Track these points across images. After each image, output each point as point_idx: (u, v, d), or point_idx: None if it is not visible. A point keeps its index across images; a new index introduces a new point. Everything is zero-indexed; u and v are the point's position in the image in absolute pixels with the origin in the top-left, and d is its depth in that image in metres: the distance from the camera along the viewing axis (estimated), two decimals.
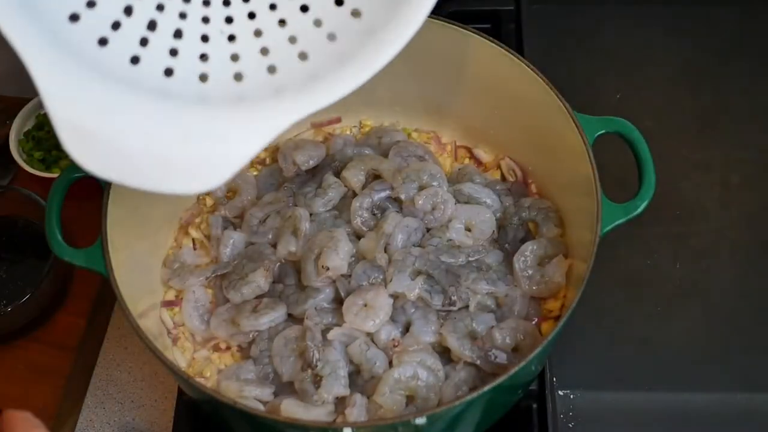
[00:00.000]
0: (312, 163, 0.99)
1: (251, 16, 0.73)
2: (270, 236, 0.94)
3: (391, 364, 0.86)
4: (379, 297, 0.87)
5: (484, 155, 1.04)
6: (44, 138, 1.10)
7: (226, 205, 0.98)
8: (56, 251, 0.84)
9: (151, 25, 0.71)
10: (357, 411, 0.82)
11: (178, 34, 0.71)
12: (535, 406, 0.93)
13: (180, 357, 0.91)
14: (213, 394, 0.78)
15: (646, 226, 1.04)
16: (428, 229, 0.94)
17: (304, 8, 0.73)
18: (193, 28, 0.72)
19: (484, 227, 0.94)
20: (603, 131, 0.89)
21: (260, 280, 0.90)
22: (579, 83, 1.13)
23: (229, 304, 0.91)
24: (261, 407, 0.84)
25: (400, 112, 1.05)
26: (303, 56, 0.73)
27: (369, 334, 0.87)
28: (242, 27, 0.73)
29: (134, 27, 0.70)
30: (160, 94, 0.69)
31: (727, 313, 1.01)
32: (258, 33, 0.73)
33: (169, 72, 0.70)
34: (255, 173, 1.02)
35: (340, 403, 0.84)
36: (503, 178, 1.01)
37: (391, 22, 0.72)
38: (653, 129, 1.10)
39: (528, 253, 0.91)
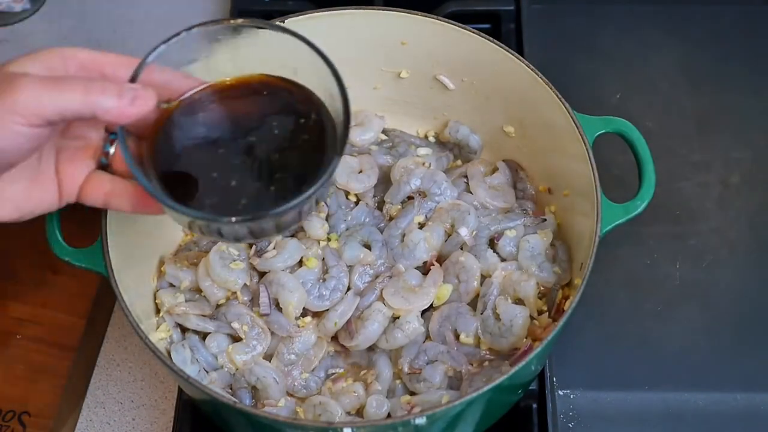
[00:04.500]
0: None
1: None
2: None
3: None
4: None
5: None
6: None
7: None
8: (56, 251, 0.85)
9: None
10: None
11: None
12: (535, 406, 0.93)
13: None
14: (213, 394, 0.78)
15: (646, 226, 1.04)
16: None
17: None
18: None
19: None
20: (603, 131, 0.89)
21: None
22: (579, 83, 1.13)
23: None
24: None
25: (401, 113, 1.05)
26: None
27: None
28: None
29: None
30: None
31: (727, 313, 1.01)
32: None
33: None
34: None
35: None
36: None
37: None
38: (653, 129, 1.11)
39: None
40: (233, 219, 0.70)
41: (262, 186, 0.74)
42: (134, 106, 0.68)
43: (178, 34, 0.73)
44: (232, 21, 0.74)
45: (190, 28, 0.73)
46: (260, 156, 0.74)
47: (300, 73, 0.75)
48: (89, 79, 0.69)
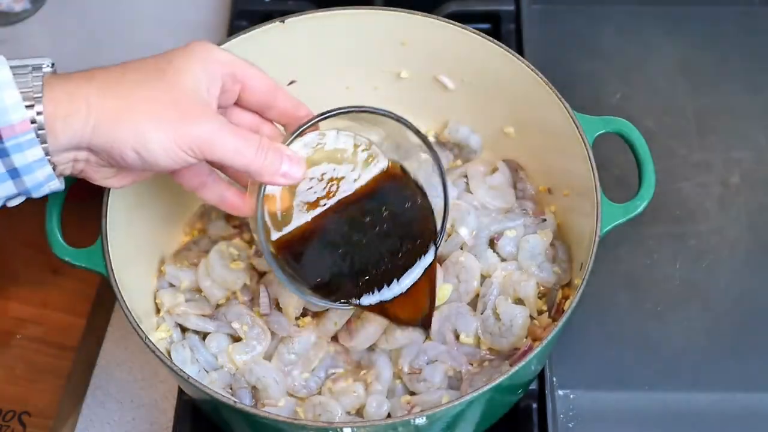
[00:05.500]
0: None
1: None
2: None
3: None
4: None
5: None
6: None
7: None
8: (56, 251, 0.84)
9: None
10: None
11: None
12: (535, 406, 0.93)
13: None
14: (213, 394, 0.78)
15: (646, 226, 1.04)
16: None
17: None
18: None
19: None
20: (603, 131, 0.89)
21: None
22: (579, 83, 1.13)
23: None
24: None
25: (401, 113, 1.05)
26: None
27: None
28: None
29: None
30: None
31: (727, 313, 1.01)
32: None
33: None
34: None
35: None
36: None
37: None
38: (653, 129, 1.11)
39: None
40: (338, 304, 0.83)
41: (372, 268, 0.83)
42: (285, 177, 0.75)
43: (329, 112, 0.80)
44: (369, 109, 0.81)
45: (337, 112, 0.80)
46: (372, 241, 0.84)
47: (406, 156, 0.85)
48: (260, 143, 0.73)
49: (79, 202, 0.94)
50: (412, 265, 0.84)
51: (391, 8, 0.96)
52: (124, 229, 0.87)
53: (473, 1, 1.20)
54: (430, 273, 0.85)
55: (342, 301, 0.83)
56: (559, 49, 1.19)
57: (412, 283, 0.83)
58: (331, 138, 0.83)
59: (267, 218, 0.81)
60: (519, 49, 1.14)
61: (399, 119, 0.82)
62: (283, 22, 0.95)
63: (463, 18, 1.04)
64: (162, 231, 0.97)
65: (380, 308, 0.84)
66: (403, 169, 0.85)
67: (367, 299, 0.83)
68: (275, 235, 0.82)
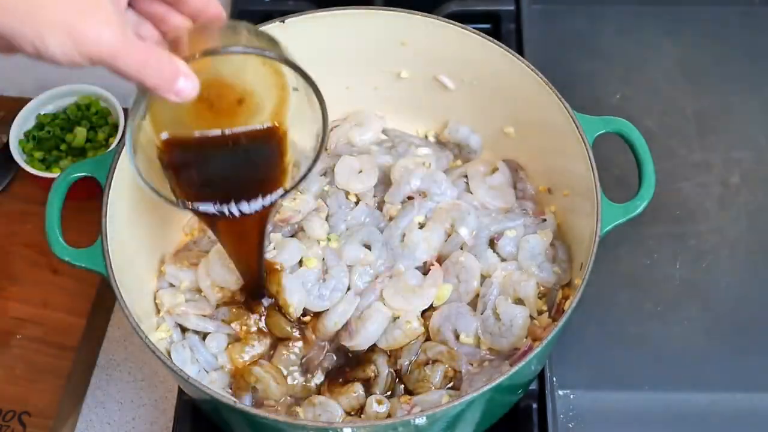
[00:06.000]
0: None
1: None
2: None
3: None
4: None
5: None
6: (44, 138, 1.10)
7: None
8: (56, 251, 0.84)
9: None
10: None
11: None
12: (535, 406, 0.94)
13: None
14: (213, 394, 0.78)
15: (646, 226, 1.04)
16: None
17: None
18: None
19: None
20: (603, 131, 0.89)
21: None
22: (579, 83, 1.13)
23: None
24: None
25: (401, 113, 1.05)
26: None
27: None
28: None
29: None
30: None
31: (727, 313, 1.01)
32: None
33: None
34: None
35: None
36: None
37: None
38: (653, 129, 1.11)
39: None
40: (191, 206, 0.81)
41: (220, 188, 0.82)
42: (178, 95, 0.74)
43: (227, 47, 0.78)
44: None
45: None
46: (231, 169, 0.83)
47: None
48: (159, 59, 0.72)
49: (79, 202, 0.94)
50: (256, 198, 0.83)
51: (391, 8, 0.96)
52: (124, 229, 0.87)
53: (473, 1, 1.20)
54: (264, 217, 0.85)
55: (181, 201, 0.82)
56: (559, 49, 1.19)
57: (249, 213, 0.82)
58: (239, 58, 0.83)
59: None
60: (519, 49, 1.14)
61: (283, 59, 0.81)
62: (283, 22, 0.95)
63: (463, 18, 1.04)
64: (162, 231, 0.97)
65: (212, 222, 0.84)
66: (284, 134, 0.85)
67: (204, 207, 0.82)
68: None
